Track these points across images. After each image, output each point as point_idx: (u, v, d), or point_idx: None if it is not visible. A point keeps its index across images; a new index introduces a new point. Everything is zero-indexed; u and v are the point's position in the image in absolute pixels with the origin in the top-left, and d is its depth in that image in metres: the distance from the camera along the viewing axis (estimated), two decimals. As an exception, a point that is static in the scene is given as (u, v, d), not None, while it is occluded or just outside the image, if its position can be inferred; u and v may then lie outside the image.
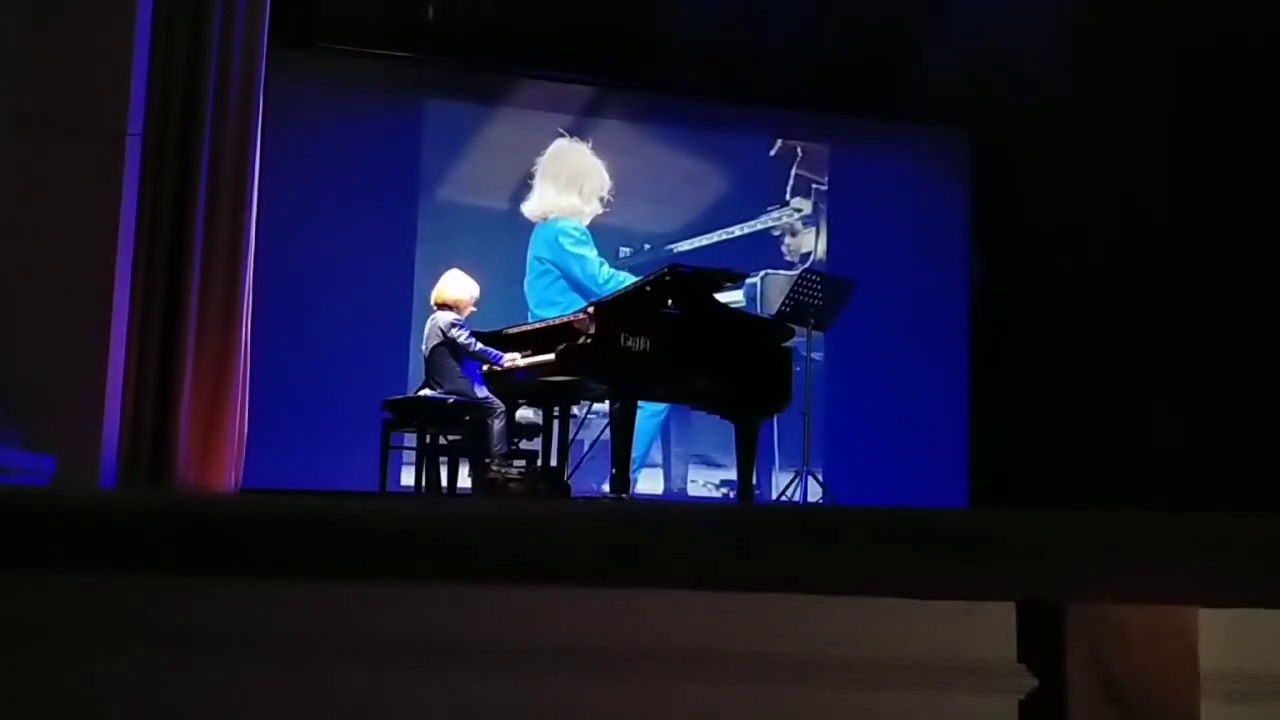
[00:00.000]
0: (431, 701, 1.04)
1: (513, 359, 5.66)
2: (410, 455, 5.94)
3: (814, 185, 8.24)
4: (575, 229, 7.67)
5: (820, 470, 7.21)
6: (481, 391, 5.72)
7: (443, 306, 5.84)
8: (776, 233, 8.16)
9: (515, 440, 5.91)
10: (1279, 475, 5.68)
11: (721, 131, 8.09)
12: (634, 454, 5.52)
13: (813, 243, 8.19)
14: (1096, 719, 1.01)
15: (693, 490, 7.78)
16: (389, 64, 7.50)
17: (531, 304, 7.55)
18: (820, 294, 6.36)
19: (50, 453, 4.44)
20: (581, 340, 5.17)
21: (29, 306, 4.71)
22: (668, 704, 1.04)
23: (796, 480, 6.49)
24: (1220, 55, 6.38)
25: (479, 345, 5.69)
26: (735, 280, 5.85)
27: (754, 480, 5.67)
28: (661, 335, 5.24)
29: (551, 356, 5.32)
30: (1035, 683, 1.04)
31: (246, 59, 5.57)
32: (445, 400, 5.63)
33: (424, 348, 5.83)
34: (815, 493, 6.53)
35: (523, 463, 5.88)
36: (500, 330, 5.99)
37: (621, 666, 1.04)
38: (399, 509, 1.04)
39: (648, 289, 5.44)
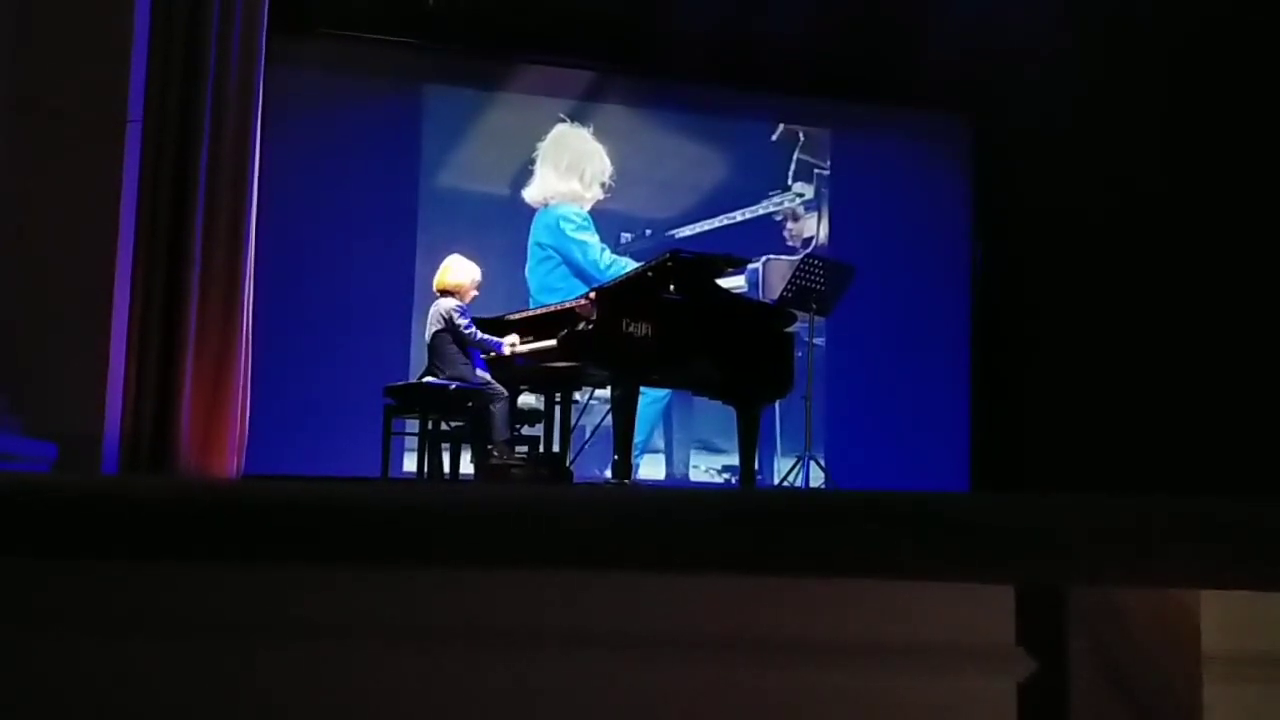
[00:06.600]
0: (442, 686, 1.04)
1: (512, 342, 5.66)
2: (412, 441, 5.95)
3: (816, 170, 8.23)
4: (576, 214, 7.66)
5: (822, 455, 7.22)
6: (484, 377, 5.72)
7: (444, 292, 5.84)
8: (778, 218, 8.15)
9: (517, 426, 5.91)
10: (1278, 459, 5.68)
11: (723, 116, 8.08)
12: (636, 440, 5.52)
13: (814, 228, 8.18)
14: (1098, 702, 1.01)
15: (694, 476, 7.78)
16: (389, 50, 7.48)
17: (533, 290, 7.55)
18: (822, 279, 6.35)
19: (52, 440, 4.44)
20: (583, 326, 5.17)
21: (30, 293, 4.71)
22: (665, 688, 1.04)
23: (798, 465, 6.50)
24: (1217, 38, 6.36)
25: (480, 335, 5.69)
26: (737, 265, 5.85)
27: (756, 465, 5.67)
28: (663, 321, 5.23)
29: (553, 342, 5.32)
30: (1035, 665, 1.04)
31: (246, 46, 5.56)
32: (447, 386, 5.63)
33: (426, 334, 5.83)
34: (817, 478, 6.54)
35: (524, 449, 5.88)
36: (502, 316, 5.99)
37: (619, 651, 1.04)
38: (410, 493, 1.04)
39: (649, 274, 5.44)
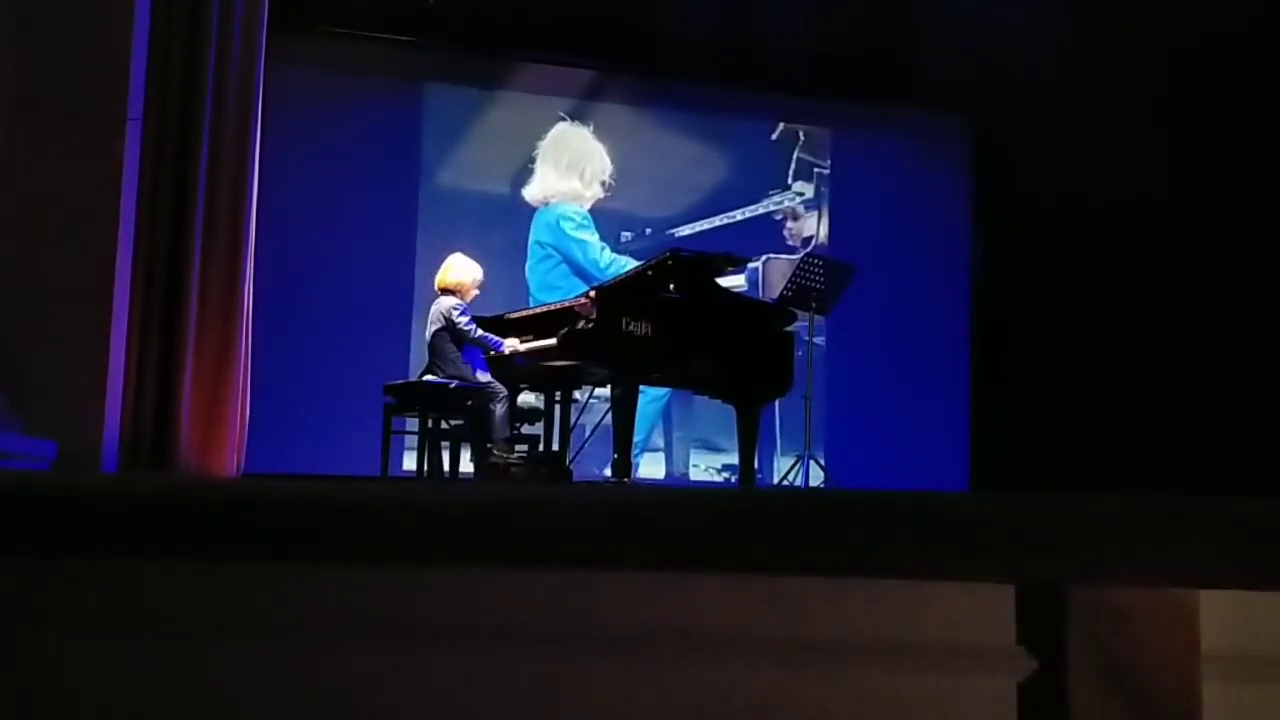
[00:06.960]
0: (441, 685, 1.04)
1: (513, 345, 5.67)
2: (412, 440, 5.95)
3: (816, 169, 8.23)
4: (577, 213, 7.66)
5: (822, 454, 7.22)
6: (483, 376, 5.72)
7: (445, 291, 5.84)
8: (778, 217, 8.15)
9: (517, 425, 5.91)
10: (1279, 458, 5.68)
11: (723, 115, 8.08)
12: (635, 438, 5.53)
13: (814, 227, 8.18)
14: (1097, 701, 1.01)
15: (694, 475, 7.78)
16: (389, 48, 7.48)
17: (533, 289, 7.55)
18: (822, 278, 6.35)
19: (52, 438, 4.44)
20: (583, 325, 5.17)
21: (30, 293, 4.71)
22: (664, 687, 1.04)
23: (798, 465, 6.50)
24: (1217, 38, 6.35)
25: (479, 331, 5.69)
26: (737, 264, 5.85)
27: (755, 465, 5.67)
28: (663, 320, 5.24)
29: (553, 341, 5.33)
30: (1035, 665, 1.04)
31: (246, 44, 5.56)
32: (447, 385, 5.63)
33: (426, 333, 5.83)
34: (817, 477, 6.54)
35: (524, 448, 5.88)
36: (502, 315, 5.99)
37: (617, 651, 1.04)
38: (409, 493, 1.04)
39: (649, 273, 5.44)
